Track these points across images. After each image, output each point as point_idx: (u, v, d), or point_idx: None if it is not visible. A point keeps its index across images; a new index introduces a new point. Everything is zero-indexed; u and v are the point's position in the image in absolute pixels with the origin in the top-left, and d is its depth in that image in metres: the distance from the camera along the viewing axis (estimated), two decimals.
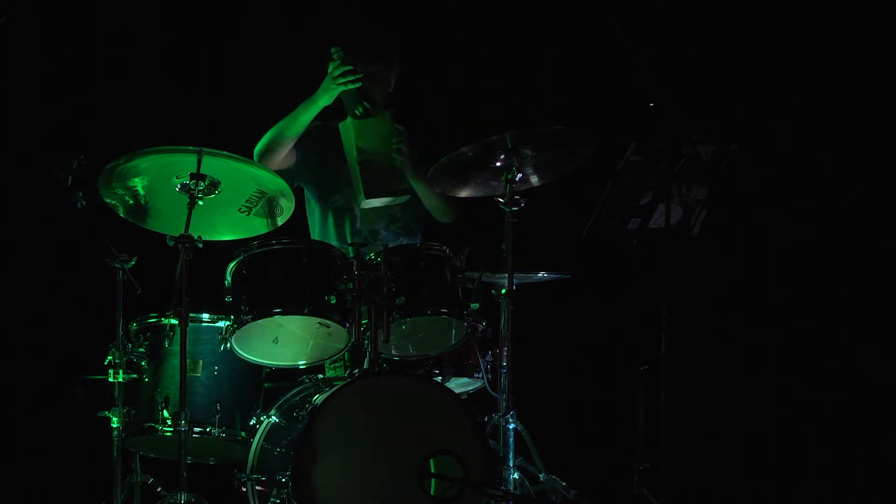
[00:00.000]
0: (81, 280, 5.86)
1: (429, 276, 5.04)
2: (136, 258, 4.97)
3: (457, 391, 5.17)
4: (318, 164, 5.67)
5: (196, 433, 4.98)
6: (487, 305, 5.22)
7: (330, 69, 5.45)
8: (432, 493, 4.81)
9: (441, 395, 4.94)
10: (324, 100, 5.49)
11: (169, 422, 4.97)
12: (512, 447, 5.18)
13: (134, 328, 5.11)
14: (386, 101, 5.63)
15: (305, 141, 5.60)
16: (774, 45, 6.24)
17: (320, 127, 5.64)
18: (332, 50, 5.46)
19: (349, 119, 5.57)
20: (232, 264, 5.04)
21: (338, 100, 5.54)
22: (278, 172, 5.18)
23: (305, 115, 5.52)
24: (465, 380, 5.36)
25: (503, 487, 5.04)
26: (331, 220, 5.68)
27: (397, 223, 5.68)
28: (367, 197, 5.51)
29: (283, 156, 5.56)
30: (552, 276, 5.49)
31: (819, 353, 6.22)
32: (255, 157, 5.51)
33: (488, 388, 5.32)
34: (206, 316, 5.10)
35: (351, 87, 5.45)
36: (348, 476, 4.79)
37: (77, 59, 6.09)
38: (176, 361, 4.96)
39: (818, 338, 6.22)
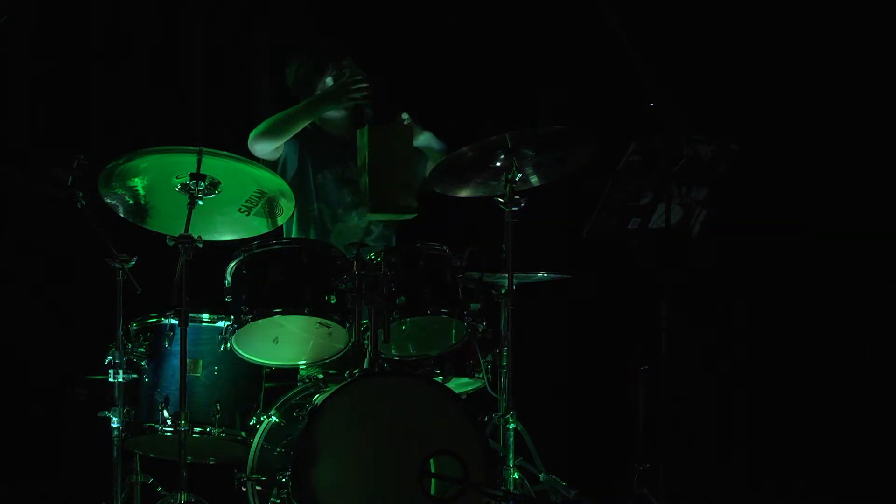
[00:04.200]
0: (81, 280, 5.86)
1: (429, 276, 5.04)
2: (136, 258, 4.97)
3: (457, 391, 5.17)
4: (298, 169, 5.63)
5: (196, 433, 4.98)
6: (488, 305, 5.22)
7: (344, 80, 5.48)
8: (432, 493, 4.81)
9: (441, 395, 4.95)
10: (330, 108, 5.53)
11: (169, 422, 4.98)
12: (512, 447, 5.18)
13: (134, 328, 5.11)
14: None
15: (294, 141, 5.60)
16: (775, 43, 6.25)
17: (311, 132, 5.64)
18: (345, 63, 5.55)
19: (367, 126, 5.45)
20: (232, 264, 5.04)
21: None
22: (265, 163, 5.26)
23: (307, 117, 5.51)
24: (466, 380, 5.36)
25: (503, 487, 5.04)
26: (294, 227, 5.66)
27: (370, 236, 5.67)
28: (373, 211, 5.46)
29: (275, 148, 5.55)
30: (552, 276, 5.49)
31: (820, 351, 6.23)
32: (249, 140, 5.50)
33: (488, 389, 5.32)
34: (206, 316, 5.10)
35: (364, 102, 5.46)
36: (348, 476, 4.79)
37: (77, 58, 6.08)
38: (176, 361, 4.96)
39: (818, 336, 6.23)
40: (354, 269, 4.97)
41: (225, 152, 4.83)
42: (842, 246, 6.22)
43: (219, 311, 5.08)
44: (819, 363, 6.24)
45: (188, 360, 4.80)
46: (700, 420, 6.14)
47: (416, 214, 5.51)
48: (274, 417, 5.04)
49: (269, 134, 5.48)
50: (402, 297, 4.98)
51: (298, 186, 5.54)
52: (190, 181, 4.82)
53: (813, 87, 6.24)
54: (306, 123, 5.54)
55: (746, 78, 6.29)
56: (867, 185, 6.22)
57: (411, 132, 5.48)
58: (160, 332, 5.10)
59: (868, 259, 6.22)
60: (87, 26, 6.09)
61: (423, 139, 5.59)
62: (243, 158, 4.92)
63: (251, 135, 5.50)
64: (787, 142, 6.25)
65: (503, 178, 5.12)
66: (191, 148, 4.79)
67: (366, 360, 4.97)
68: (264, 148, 5.50)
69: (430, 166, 5.63)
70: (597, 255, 6.10)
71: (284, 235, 5.60)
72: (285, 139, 5.52)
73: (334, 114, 5.63)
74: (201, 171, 4.81)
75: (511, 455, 5.17)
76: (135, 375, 5.03)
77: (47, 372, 5.93)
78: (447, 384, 5.19)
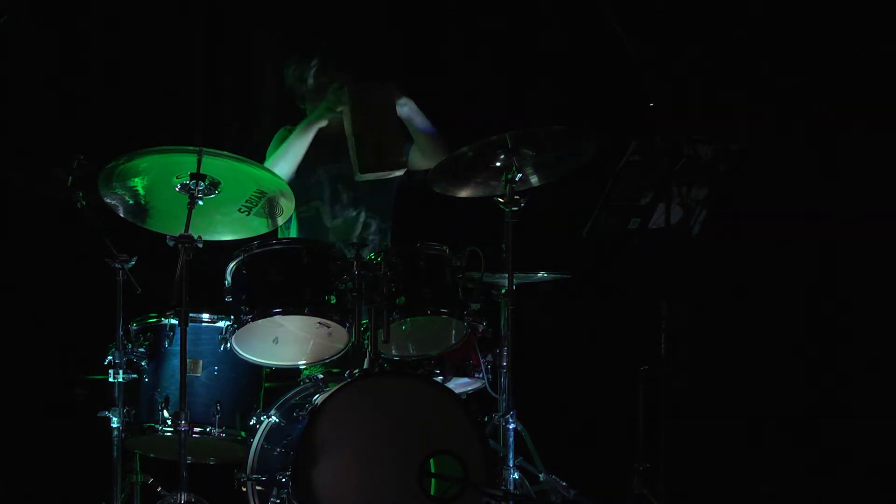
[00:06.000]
0: (81, 280, 5.86)
1: (429, 276, 5.04)
2: (136, 258, 4.97)
3: (457, 391, 5.18)
4: (297, 167, 5.65)
5: (196, 433, 4.99)
6: (488, 305, 5.22)
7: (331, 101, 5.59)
8: (432, 493, 4.81)
9: (441, 395, 4.95)
10: (322, 122, 5.61)
11: (169, 422, 4.98)
12: (512, 447, 5.18)
13: (134, 328, 5.12)
14: None
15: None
16: (774, 44, 6.26)
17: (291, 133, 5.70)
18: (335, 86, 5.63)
19: (344, 88, 5.57)
20: (232, 264, 5.04)
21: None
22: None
23: (309, 135, 5.59)
24: (466, 380, 5.36)
25: (503, 487, 5.04)
26: (293, 224, 5.67)
27: (368, 230, 5.68)
28: (363, 171, 5.48)
29: (293, 171, 5.62)
30: (552, 276, 5.50)
31: (820, 351, 6.23)
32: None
33: (488, 389, 5.32)
34: (206, 316, 5.11)
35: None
36: (348, 476, 4.79)
37: (77, 58, 6.09)
38: (176, 361, 4.96)
39: (818, 336, 6.23)
40: (354, 269, 4.97)
41: (225, 152, 4.83)
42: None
43: (219, 311, 5.09)
44: (818, 361, 6.24)
45: (188, 360, 4.79)
46: (700, 420, 6.14)
47: (405, 169, 5.52)
48: (274, 417, 5.04)
49: (281, 163, 5.56)
50: (402, 297, 4.98)
51: (297, 184, 5.56)
52: (190, 181, 4.82)
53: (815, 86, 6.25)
54: (307, 143, 5.59)
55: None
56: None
57: (389, 90, 5.50)
58: (160, 332, 5.11)
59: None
60: (88, 26, 6.09)
61: (405, 110, 5.58)
62: (243, 158, 4.91)
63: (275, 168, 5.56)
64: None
65: (503, 178, 5.12)
66: (191, 148, 4.79)
67: (366, 360, 4.98)
68: (283, 172, 5.54)
69: (413, 150, 5.65)
70: (597, 255, 6.10)
71: (284, 232, 5.62)
72: (297, 160, 5.59)
73: (329, 115, 5.66)
74: (201, 171, 4.81)
75: (511, 455, 5.17)
76: (135, 375, 5.04)
77: (47, 372, 5.92)
78: (447, 384, 5.19)
